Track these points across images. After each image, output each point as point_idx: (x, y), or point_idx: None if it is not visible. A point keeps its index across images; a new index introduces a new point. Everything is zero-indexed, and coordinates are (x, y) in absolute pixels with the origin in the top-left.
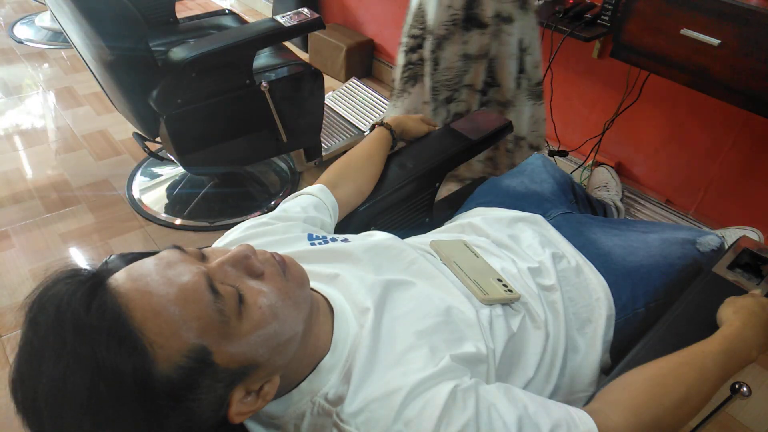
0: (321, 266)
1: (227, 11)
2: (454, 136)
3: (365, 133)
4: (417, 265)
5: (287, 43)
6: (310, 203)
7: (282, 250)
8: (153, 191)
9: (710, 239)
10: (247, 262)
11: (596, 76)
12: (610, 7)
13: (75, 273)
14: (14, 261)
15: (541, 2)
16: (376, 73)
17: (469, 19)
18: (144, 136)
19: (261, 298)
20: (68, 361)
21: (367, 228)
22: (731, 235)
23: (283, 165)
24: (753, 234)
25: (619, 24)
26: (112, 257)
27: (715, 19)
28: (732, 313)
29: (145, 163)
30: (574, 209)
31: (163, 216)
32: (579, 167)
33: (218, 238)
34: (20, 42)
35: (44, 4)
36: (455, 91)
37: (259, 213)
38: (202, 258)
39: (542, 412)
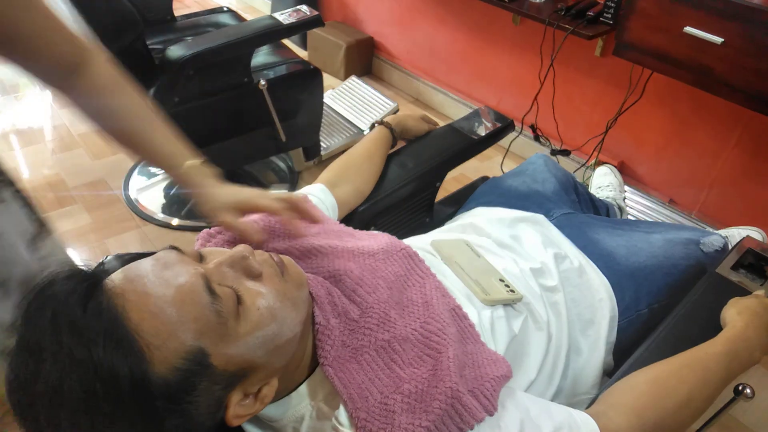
0: None
1: (225, 9)
2: (455, 135)
3: (365, 132)
4: None
5: (286, 41)
6: None
7: None
8: (150, 191)
9: (714, 239)
10: (245, 263)
11: (598, 74)
12: (612, 4)
13: (71, 273)
14: None
15: (543, 0)
16: (375, 71)
17: None
18: None
19: (259, 300)
20: (65, 362)
21: (366, 228)
22: (735, 235)
23: (281, 164)
24: (757, 234)
25: (621, 22)
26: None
27: (719, 17)
28: (736, 314)
29: (142, 163)
30: (576, 209)
31: (160, 216)
32: (581, 166)
33: None
34: None
35: None
36: None
37: None
38: (200, 259)
39: (544, 414)
